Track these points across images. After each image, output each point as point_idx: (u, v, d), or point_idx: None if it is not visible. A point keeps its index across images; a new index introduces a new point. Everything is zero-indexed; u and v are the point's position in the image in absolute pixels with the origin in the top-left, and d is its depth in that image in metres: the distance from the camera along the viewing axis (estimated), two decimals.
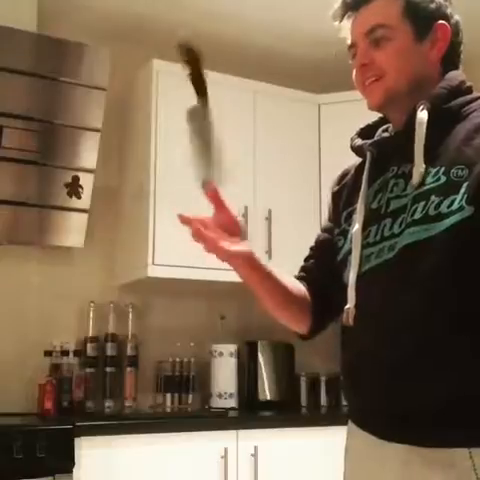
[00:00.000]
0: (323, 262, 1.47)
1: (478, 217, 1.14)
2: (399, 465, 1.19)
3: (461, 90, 1.29)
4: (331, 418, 3.05)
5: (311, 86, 3.43)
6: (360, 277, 1.28)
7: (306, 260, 1.54)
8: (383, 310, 1.22)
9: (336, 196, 1.49)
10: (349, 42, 1.36)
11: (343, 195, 1.45)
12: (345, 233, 1.38)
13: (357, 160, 1.46)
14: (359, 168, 1.43)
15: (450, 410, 1.14)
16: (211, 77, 3.64)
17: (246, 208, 3.20)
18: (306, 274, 1.50)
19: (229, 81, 3.27)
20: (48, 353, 3.02)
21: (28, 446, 2.38)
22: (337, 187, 1.50)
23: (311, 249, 1.55)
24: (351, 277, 1.29)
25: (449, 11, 1.33)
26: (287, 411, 3.24)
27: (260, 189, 3.28)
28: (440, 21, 1.31)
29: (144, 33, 3.34)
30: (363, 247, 1.29)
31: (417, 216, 1.20)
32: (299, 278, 1.50)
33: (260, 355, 3.33)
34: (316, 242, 1.54)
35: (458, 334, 1.16)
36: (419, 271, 1.18)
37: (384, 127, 1.41)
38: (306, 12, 3.13)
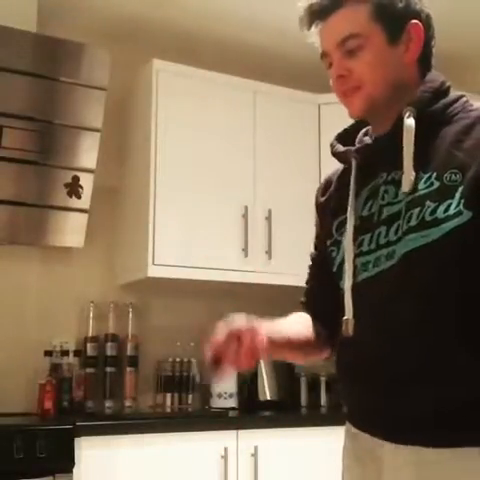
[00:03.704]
0: (321, 283, 1.45)
1: (477, 221, 1.14)
2: (409, 466, 1.19)
3: (443, 91, 1.28)
4: (331, 418, 3.05)
5: (311, 86, 3.43)
6: (358, 286, 1.27)
7: (307, 283, 1.53)
8: (387, 318, 1.21)
9: (324, 207, 1.45)
10: (321, 51, 1.33)
11: (331, 205, 1.42)
12: (338, 243, 1.35)
13: (338, 167, 1.43)
14: (343, 175, 1.40)
15: (459, 411, 1.14)
16: (211, 77, 3.65)
17: (246, 208, 3.20)
18: (308, 300, 1.49)
19: (229, 81, 3.27)
20: (48, 353, 3.02)
21: (28, 446, 2.38)
22: (323, 198, 1.46)
23: (309, 268, 1.52)
24: (346, 287, 1.28)
25: (418, 7, 1.29)
26: (287, 411, 3.24)
27: (260, 189, 3.28)
28: (412, 21, 1.27)
29: (144, 33, 3.34)
30: (356, 256, 1.28)
31: (413, 222, 1.18)
32: (303, 304, 1.50)
33: None
34: (312, 261, 1.52)
35: (463, 338, 1.16)
36: (422, 278, 1.18)
37: (364, 131, 1.38)
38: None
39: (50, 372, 2.98)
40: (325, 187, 1.46)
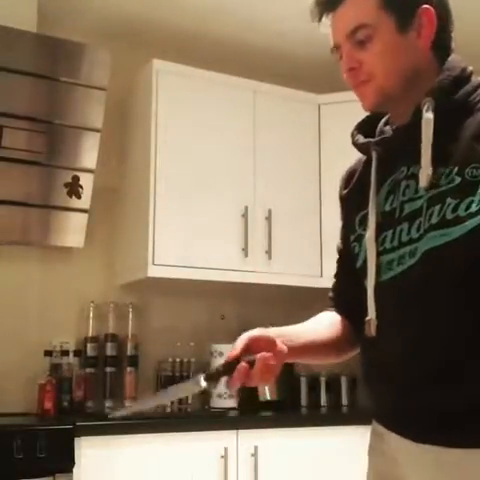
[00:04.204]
0: (348, 278, 1.41)
1: None
2: (430, 465, 1.18)
3: (464, 78, 1.22)
4: (331, 418, 3.05)
5: (311, 86, 3.43)
6: (382, 285, 1.24)
7: (335, 276, 1.49)
8: (408, 317, 1.20)
9: (347, 200, 1.42)
10: (332, 43, 1.29)
11: (354, 198, 1.38)
12: (360, 239, 1.32)
13: (360, 157, 1.40)
14: (364, 166, 1.37)
15: (474, 412, 1.13)
16: (211, 77, 3.65)
17: (246, 208, 3.20)
18: (336, 295, 1.47)
19: (229, 81, 3.27)
20: (48, 353, 3.02)
21: (28, 446, 2.38)
22: (346, 190, 1.42)
23: (336, 262, 1.49)
24: (369, 286, 1.25)
25: None
26: (287, 411, 3.24)
27: (260, 189, 3.28)
28: (422, 6, 1.23)
29: (144, 33, 3.34)
30: (380, 253, 1.25)
31: (434, 220, 1.15)
32: (331, 299, 1.47)
33: None
34: (338, 254, 1.48)
35: None
36: (442, 276, 1.16)
37: (385, 120, 1.34)
38: (307, 11, 3.13)
39: (50, 372, 2.99)
40: (347, 179, 1.43)
